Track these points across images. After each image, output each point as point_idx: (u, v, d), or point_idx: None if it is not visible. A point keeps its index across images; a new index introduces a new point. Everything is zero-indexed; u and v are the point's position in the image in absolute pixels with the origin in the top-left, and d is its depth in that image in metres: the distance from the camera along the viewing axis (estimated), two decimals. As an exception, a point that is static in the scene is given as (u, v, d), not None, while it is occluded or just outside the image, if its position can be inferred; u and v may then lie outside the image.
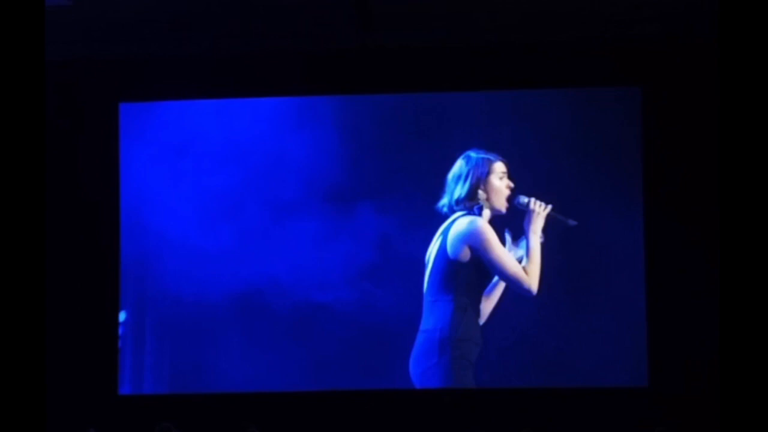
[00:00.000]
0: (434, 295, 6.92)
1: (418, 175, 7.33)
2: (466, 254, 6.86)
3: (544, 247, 6.88)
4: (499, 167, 6.94)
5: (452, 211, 6.91)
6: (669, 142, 7.38)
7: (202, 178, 7.54)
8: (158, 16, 7.21)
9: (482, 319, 6.95)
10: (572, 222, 6.97)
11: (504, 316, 6.93)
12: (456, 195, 6.92)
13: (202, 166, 7.55)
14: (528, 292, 6.86)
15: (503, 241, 6.90)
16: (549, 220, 6.91)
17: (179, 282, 7.48)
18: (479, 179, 6.92)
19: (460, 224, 6.88)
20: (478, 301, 6.92)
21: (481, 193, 6.89)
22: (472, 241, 6.85)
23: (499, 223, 6.92)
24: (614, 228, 7.36)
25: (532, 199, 6.93)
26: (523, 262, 6.85)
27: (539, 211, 6.92)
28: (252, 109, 7.59)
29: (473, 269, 6.85)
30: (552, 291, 7.22)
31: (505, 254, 6.85)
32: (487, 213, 6.90)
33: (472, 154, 6.95)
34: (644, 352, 7.27)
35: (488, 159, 6.95)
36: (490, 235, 6.85)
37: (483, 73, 7.51)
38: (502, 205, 6.94)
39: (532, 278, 6.87)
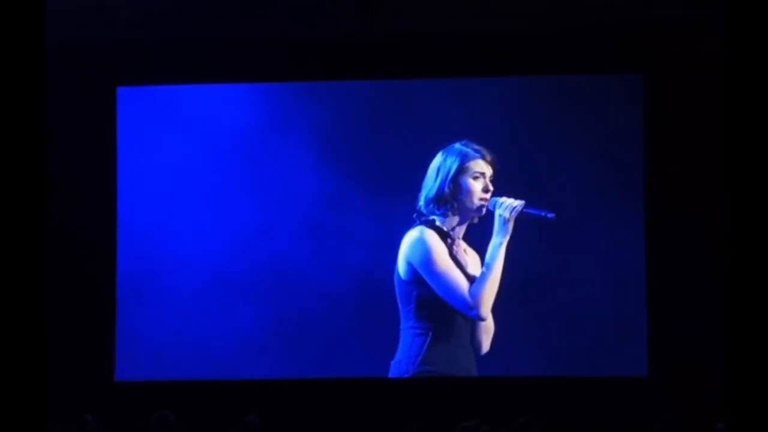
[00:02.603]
0: (401, 321, 6.49)
1: (409, 165, 7.18)
2: (411, 273, 6.35)
3: (533, 242, 6.50)
4: (477, 165, 6.35)
5: (420, 215, 6.39)
6: (672, 130, 7.35)
7: (199, 162, 7.51)
8: (157, -1, 7.21)
9: (466, 344, 6.45)
10: (550, 215, 6.32)
11: (502, 304, 6.62)
12: (425, 193, 6.38)
13: (200, 150, 7.51)
14: (477, 317, 6.35)
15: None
16: (524, 218, 6.32)
17: (177, 266, 7.46)
18: (447, 176, 6.33)
19: (406, 238, 6.39)
20: (451, 326, 6.39)
21: (448, 192, 6.33)
22: (411, 256, 6.33)
23: (476, 232, 6.46)
24: (615, 217, 7.35)
25: (503, 203, 6.30)
26: (478, 281, 6.33)
27: (508, 217, 6.26)
28: (250, 94, 7.55)
29: (427, 289, 6.35)
30: (551, 280, 7.22)
31: (448, 272, 6.29)
32: (454, 218, 6.36)
33: (456, 145, 6.44)
34: (644, 342, 7.25)
35: (465, 153, 6.37)
36: (432, 248, 6.29)
37: (479, 60, 7.46)
38: (471, 208, 6.35)
39: (482, 302, 6.30)
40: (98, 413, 6.53)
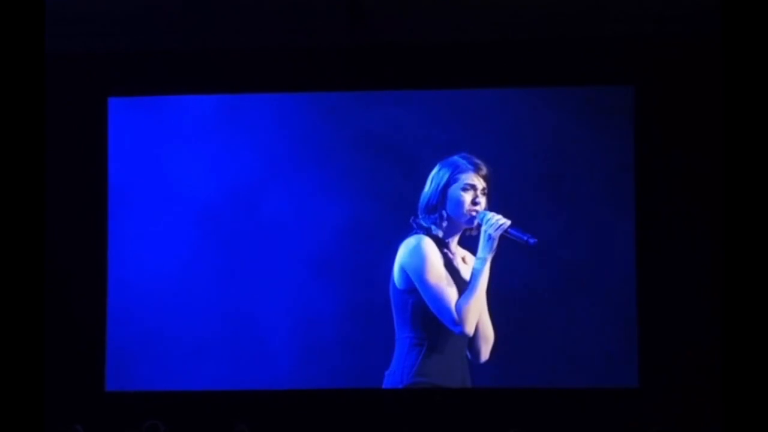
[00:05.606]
0: (396, 331, 6.49)
1: (402, 174, 7.21)
2: (406, 281, 6.36)
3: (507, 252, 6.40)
4: (468, 177, 6.39)
5: (417, 223, 6.43)
6: (662, 142, 7.35)
7: (190, 172, 7.49)
8: (149, 9, 7.18)
9: (462, 354, 6.47)
10: (532, 240, 6.27)
11: (493, 316, 6.62)
12: (420, 202, 6.45)
13: (191, 160, 7.50)
14: (462, 333, 6.36)
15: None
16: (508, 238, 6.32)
17: (168, 278, 7.44)
18: (438, 186, 6.39)
19: (402, 246, 6.39)
20: (446, 337, 6.38)
21: (437, 202, 6.37)
22: (406, 263, 6.34)
23: (475, 238, 6.44)
24: (605, 228, 7.34)
25: (490, 219, 6.31)
26: (463, 297, 6.33)
27: (493, 234, 6.27)
28: (242, 105, 7.55)
29: (422, 298, 6.36)
30: (542, 291, 7.22)
31: (439, 283, 6.30)
32: (445, 228, 6.39)
33: (454, 157, 6.49)
34: (635, 353, 7.25)
35: (457, 164, 6.42)
36: (427, 257, 6.31)
37: (471, 71, 7.46)
38: (461, 219, 6.39)
39: (466, 317, 6.30)
40: (88, 423, 6.53)
